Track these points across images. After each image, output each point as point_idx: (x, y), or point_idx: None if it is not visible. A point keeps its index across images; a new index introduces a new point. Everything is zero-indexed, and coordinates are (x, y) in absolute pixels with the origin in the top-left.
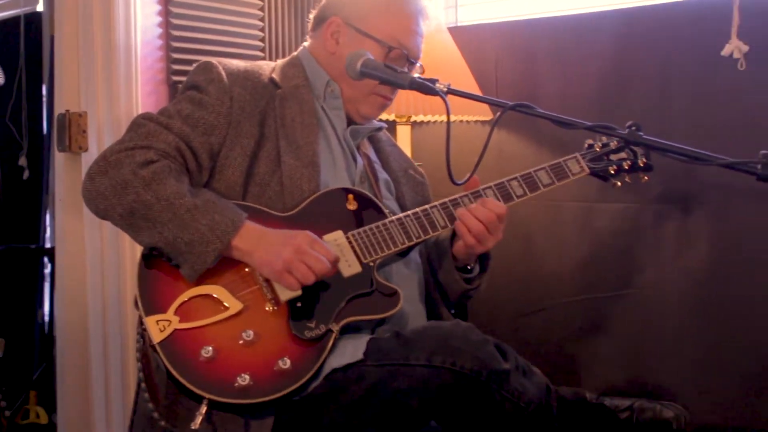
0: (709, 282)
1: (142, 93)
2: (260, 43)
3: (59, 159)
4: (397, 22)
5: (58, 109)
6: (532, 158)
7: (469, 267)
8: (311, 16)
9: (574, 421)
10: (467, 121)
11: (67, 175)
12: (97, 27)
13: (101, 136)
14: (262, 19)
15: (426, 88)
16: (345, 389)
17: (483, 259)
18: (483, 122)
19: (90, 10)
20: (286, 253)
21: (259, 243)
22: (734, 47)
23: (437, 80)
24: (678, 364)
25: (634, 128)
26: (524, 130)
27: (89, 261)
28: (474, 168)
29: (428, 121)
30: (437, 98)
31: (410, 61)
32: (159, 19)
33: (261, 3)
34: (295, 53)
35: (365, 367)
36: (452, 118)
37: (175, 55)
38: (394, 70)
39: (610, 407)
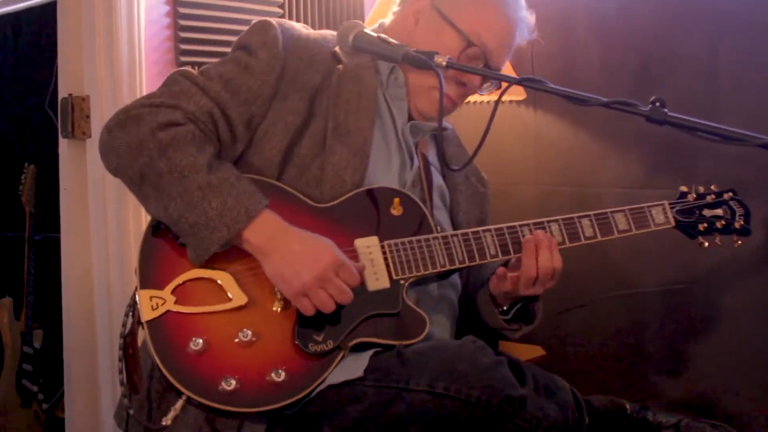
0: None
1: (147, 75)
2: (279, 10)
3: (63, 146)
4: (487, 21)
5: (62, 93)
6: (570, 145)
7: (504, 308)
8: None
9: None
10: (502, 101)
11: (70, 163)
12: (98, 6)
13: (105, 121)
14: None
15: (419, 61)
16: (341, 409)
17: (530, 309)
18: (518, 102)
19: None
20: (306, 277)
21: (275, 242)
22: None
23: (436, 53)
24: (734, 369)
25: (658, 104)
26: (564, 111)
27: (94, 250)
28: (474, 153)
29: (467, 102)
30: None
31: (488, 65)
32: None
33: None
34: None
35: (363, 387)
36: (485, 98)
37: (183, 34)
38: (387, 42)
39: (653, 422)
